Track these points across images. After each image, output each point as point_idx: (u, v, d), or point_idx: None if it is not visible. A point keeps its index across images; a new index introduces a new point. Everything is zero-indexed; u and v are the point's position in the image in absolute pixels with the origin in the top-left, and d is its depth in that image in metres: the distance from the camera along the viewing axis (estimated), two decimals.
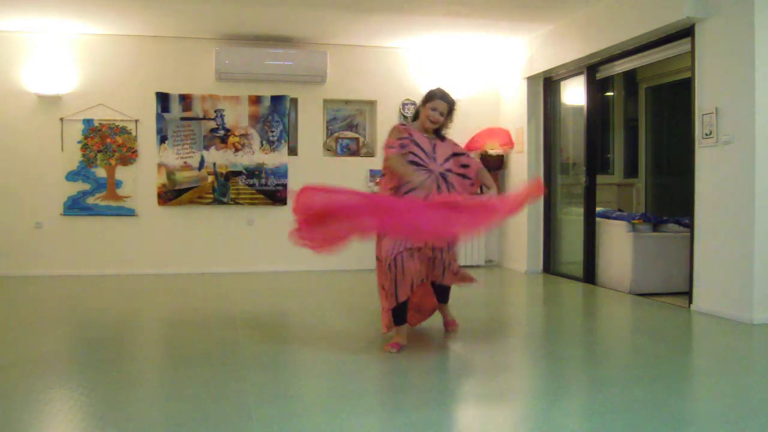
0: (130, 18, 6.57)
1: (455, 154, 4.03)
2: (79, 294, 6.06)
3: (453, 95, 4.06)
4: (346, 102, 7.88)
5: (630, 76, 8.32)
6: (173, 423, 2.72)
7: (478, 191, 4.12)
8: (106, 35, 7.12)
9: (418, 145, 3.91)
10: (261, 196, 7.42)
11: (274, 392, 3.11)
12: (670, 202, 7.92)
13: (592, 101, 6.67)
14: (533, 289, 6.58)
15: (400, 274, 3.74)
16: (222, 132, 7.33)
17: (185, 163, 7.27)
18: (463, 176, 4.01)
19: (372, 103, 7.87)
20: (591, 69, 6.58)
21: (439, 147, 3.97)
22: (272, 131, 7.40)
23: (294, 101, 7.58)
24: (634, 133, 8.56)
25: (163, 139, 7.22)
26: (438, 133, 4.02)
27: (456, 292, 4.39)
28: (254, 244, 7.45)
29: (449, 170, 3.95)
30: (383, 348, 3.82)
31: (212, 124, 7.31)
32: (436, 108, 3.92)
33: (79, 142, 7.08)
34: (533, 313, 5.62)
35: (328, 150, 7.80)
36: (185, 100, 7.24)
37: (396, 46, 7.72)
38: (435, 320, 4.42)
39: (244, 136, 7.37)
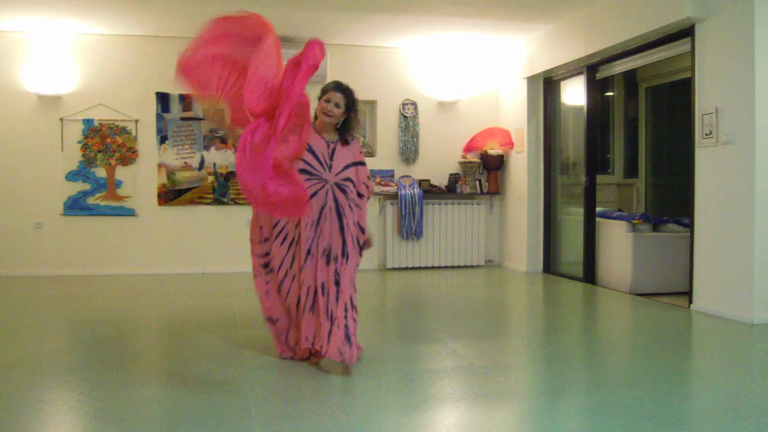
0: (130, 18, 6.56)
1: (355, 164, 3.61)
2: (79, 294, 6.06)
3: (352, 88, 3.59)
4: None
5: (630, 76, 8.32)
6: (173, 423, 2.72)
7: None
8: (106, 35, 7.12)
9: (310, 149, 3.51)
10: None
11: (274, 392, 3.11)
12: (670, 202, 7.93)
13: (592, 101, 6.67)
14: (533, 289, 6.57)
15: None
16: (222, 132, 7.34)
17: (185, 163, 7.28)
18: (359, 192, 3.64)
19: (372, 103, 7.86)
20: (591, 69, 6.58)
21: (338, 152, 3.56)
22: None
23: None
24: (634, 133, 8.56)
25: (163, 139, 7.23)
26: (342, 136, 3.59)
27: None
28: None
29: (348, 180, 3.57)
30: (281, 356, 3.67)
31: (212, 124, 7.31)
32: (330, 99, 3.51)
33: (79, 142, 7.09)
34: (533, 313, 5.61)
35: None
36: (185, 100, 7.24)
37: (396, 46, 7.72)
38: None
39: None
